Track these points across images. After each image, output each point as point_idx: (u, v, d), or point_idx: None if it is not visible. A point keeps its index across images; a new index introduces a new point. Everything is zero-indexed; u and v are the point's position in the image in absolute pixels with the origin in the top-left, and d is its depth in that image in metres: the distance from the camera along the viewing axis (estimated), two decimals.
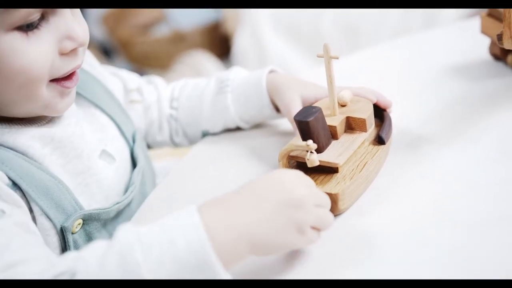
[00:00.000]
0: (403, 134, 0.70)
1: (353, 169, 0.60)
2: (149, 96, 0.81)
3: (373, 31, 1.94)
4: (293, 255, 0.53)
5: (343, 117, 0.63)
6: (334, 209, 0.57)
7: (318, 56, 0.61)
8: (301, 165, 0.61)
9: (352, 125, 0.63)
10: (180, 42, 2.35)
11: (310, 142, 0.56)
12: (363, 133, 0.63)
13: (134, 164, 0.72)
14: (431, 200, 0.58)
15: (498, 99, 0.74)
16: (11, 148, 0.58)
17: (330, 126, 0.62)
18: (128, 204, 0.68)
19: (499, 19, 0.76)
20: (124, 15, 2.42)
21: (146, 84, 0.82)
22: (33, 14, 0.54)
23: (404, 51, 0.97)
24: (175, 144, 0.84)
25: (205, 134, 0.81)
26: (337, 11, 1.98)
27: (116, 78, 0.78)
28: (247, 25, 2.07)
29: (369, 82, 0.71)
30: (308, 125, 0.57)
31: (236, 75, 0.78)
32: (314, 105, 0.65)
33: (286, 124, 0.78)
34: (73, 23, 0.58)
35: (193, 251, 0.44)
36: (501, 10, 0.72)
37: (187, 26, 2.35)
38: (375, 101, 0.66)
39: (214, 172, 0.72)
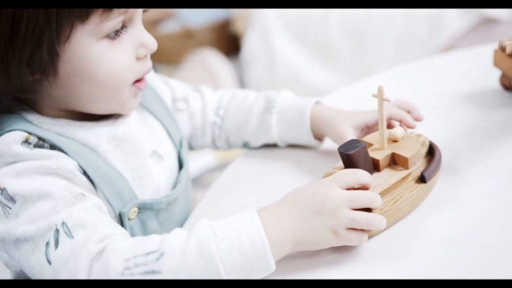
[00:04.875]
0: None
1: (386, 201, 0.66)
2: (195, 104, 0.89)
3: (378, 34, 1.99)
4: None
5: (388, 152, 0.69)
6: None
7: (373, 96, 0.68)
8: None
9: (396, 160, 0.69)
10: (188, 39, 2.39)
11: None
12: (405, 170, 0.68)
13: (179, 165, 0.81)
14: (446, 227, 0.66)
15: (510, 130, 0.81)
16: (81, 143, 0.68)
17: (374, 159, 0.68)
18: (176, 199, 0.77)
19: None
20: None
21: (192, 92, 0.90)
22: (119, 23, 0.64)
23: (414, 77, 1.03)
24: (216, 147, 0.93)
25: (245, 144, 0.89)
26: (344, 14, 2.03)
27: (166, 86, 0.87)
28: (257, 27, 2.12)
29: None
30: (349, 157, 0.64)
31: (284, 98, 0.86)
32: (366, 138, 0.72)
33: (324, 143, 0.85)
34: (145, 32, 0.68)
35: (255, 245, 0.57)
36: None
37: (196, 23, 2.39)
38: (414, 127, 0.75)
39: (254, 189, 0.80)
